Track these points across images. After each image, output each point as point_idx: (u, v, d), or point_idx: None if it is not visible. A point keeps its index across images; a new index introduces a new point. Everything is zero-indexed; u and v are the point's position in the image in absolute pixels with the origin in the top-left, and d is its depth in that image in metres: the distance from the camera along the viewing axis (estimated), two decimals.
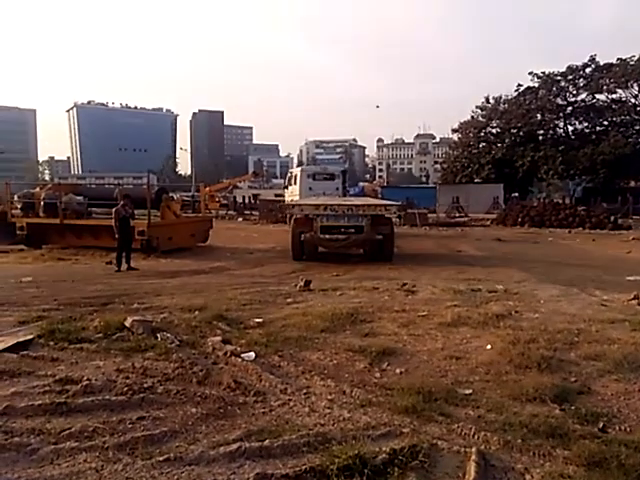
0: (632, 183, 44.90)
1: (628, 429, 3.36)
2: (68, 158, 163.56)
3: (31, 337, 5.16)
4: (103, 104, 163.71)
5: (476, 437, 3.24)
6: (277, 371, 4.43)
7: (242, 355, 4.74)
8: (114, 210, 11.24)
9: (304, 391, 3.98)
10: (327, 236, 12.11)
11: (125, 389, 3.89)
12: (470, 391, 4.04)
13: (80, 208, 14.87)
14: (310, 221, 12.16)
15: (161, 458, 2.93)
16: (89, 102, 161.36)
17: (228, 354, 4.77)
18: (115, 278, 9.88)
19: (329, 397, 3.86)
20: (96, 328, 5.53)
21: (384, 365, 4.66)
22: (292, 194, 20.49)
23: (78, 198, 15.10)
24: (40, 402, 3.65)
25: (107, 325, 5.52)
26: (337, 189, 20.07)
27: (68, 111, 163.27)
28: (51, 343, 5.05)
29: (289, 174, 23.28)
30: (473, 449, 3.01)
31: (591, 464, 2.84)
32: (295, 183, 20.63)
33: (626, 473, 2.73)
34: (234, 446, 3.05)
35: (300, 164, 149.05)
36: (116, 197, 13.04)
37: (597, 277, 10.36)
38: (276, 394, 3.92)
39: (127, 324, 5.50)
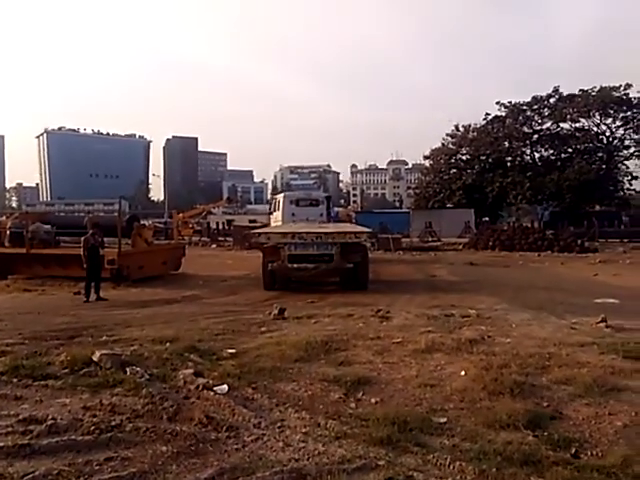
0: (597, 207, 46.42)
1: (600, 454, 3.39)
2: (37, 184, 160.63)
3: None
4: (74, 130, 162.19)
5: (451, 467, 3.22)
6: (250, 404, 4.35)
7: (214, 388, 4.64)
8: (83, 239, 11.03)
9: (278, 424, 3.91)
10: (295, 265, 11.61)
11: (92, 428, 3.75)
12: (445, 419, 4.03)
13: (48, 237, 14.56)
14: (277, 250, 11.68)
15: None
16: (60, 128, 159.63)
17: (200, 388, 4.65)
18: (83, 309, 9.62)
19: (304, 430, 3.80)
20: (62, 363, 5.34)
21: (359, 395, 4.63)
22: (276, 220, 20.30)
23: (46, 227, 14.80)
24: (2, 444, 3.48)
25: (74, 360, 5.34)
26: (321, 215, 19.45)
27: (38, 137, 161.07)
28: (14, 380, 4.85)
29: (273, 200, 23.09)
30: None
31: None
32: (278, 209, 20.14)
33: None
34: None
35: (275, 189, 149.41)
36: (85, 225, 12.82)
37: (566, 300, 10.58)
38: (249, 429, 3.84)
39: (95, 358, 5.33)
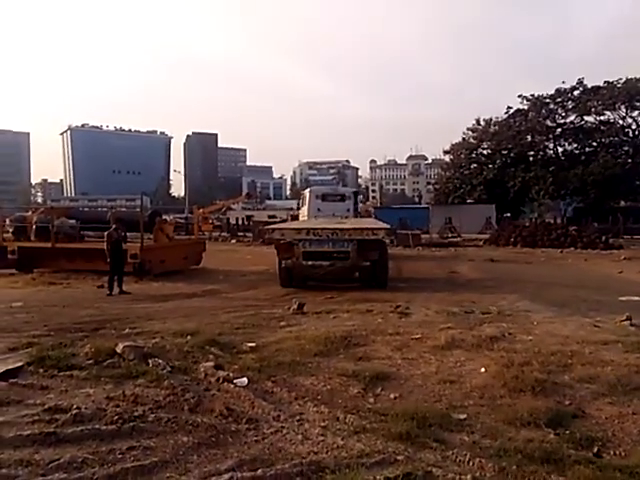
0: (622, 203, 45.39)
1: (622, 453, 3.34)
2: (61, 181, 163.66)
3: (20, 364, 5.09)
4: (97, 127, 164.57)
5: (471, 464, 3.21)
6: (270, 397, 4.39)
7: (235, 381, 4.70)
8: (106, 234, 11.23)
9: (297, 418, 3.94)
10: (310, 262, 11.17)
11: (115, 418, 3.83)
12: (464, 416, 4.01)
13: (72, 232, 14.84)
14: (292, 247, 11.28)
15: None
16: (83, 125, 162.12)
17: (220, 380, 4.72)
18: (107, 302, 9.80)
19: (322, 424, 3.82)
20: (87, 354, 5.47)
21: (378, 390, 4.63)
22: (303, 215, 20.21)
23: (70, 221, 15.09)
24: (29, 432, 3.58)
25: (98, 351, 5.46)
26: (348, 210, 19.06)
27: (62, 134, 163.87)
28: (41, 370, 4.98)
29: (301, 195, 23.03)
30: (468, 476, 2.98)
31: None
32: (305, 204, 19.98)
33: None
34: (226, 476, 3.00)
35: (293, 185, 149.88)
36: (109, 220, 13.05)
37: (590, 297, 10.40)
38: (269, 421, 3.88)
39: (118, 350, 5.44)
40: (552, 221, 33.82)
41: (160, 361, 5.21)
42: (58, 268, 14.34)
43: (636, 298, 10.24)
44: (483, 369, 5.13)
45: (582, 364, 5.29)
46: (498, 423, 3.86)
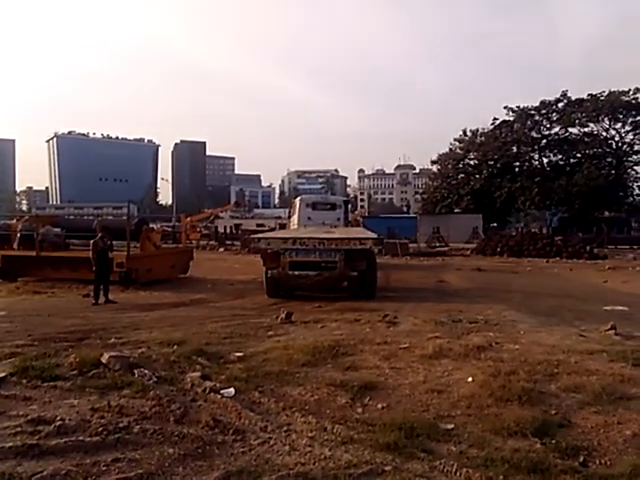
0: (606, 213, 46.11)
1: (608, 462, 3.37)
2: (47, 188, 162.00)
3: (3, 375, 4.99)
4: (84, 134, 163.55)
5: (458, 474, 3.21)
6: (257, 408, 4.36)
7: (222, 391, 4.66)
8: (92, 242, 11.11)
9: (285, 429, 3.91)
10: (296, 272, 11.00)
11: (100, 429, 3.77)
12: (452, 426, 4.01)
13: (57, 240, 14.67)
14: (278, 256, 11.12)
15: None
16: (70, 132, 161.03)
17: (207, 391, 4.68)
18: (92, 312, 9.68)
19: (310, 434, 3.80)
20: (71, 365, 5.38)
21: (366, 400, 4.62)
22: (293, 224, 20.14)
23: (56, 230, 14.92)
24: (11, 444, 3.51)
25: (82, 361, 5.37)
26: (338, 219, 18.89)
27: (48, 141, 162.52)
28: (24, 381, 4.89)
29: (292, 203, 22.87)
30: None
31: None
32: (295, 212, 19.74)
33: None
34: None
35: (282, 194, 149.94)
36: (95, 228, 12.91)
37: (575, 307, 10.51)
38: (256, 432, 3.85)
39: (103, 360, 5.37)
40: (538, 231, 34.15)
41: (146, 371, 5.15)
42: (43, 277, 14.14)
43: (620, 308, 10.37)
44: (470, 378, 5.15)
45: (568, 373, 5.33)
46: (485, 433, 3.87)
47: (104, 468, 3.25)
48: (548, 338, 7.21)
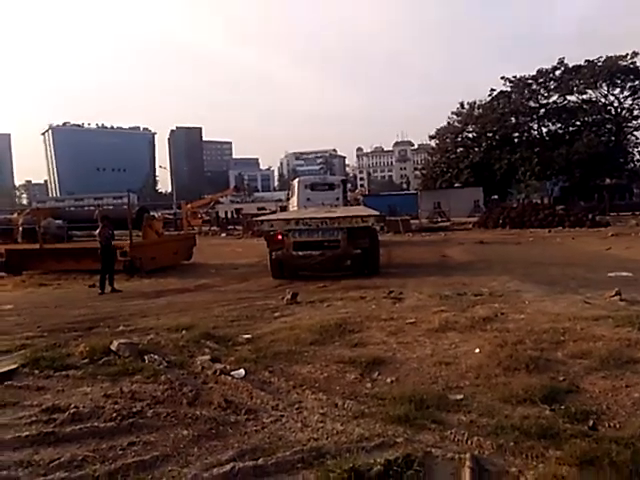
0: (607, 181, 45.90)
1: (617, 426, 3.40)
2: (45, 181, 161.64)
3: (15, 366, 5.04)
4: (79, 125, 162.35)
5: (469, 442, 3.25)
6: (268, 387, 4.40)
7: (232, 373, 4.70)
8: (97, 232, 11.11)
9: (296, 406, 3.96)
10: (300, 253, 11.16)
11: (114, 415, 3.82)
12: (461, 396, 4.05)
13: (60, 232, 14.70)
14: (282, 237, 11.32)
15: None
16: (64, 124, 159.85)
17: (217, 373, 4.72)
18: (99, 301, 9.74)
19: (321, 411, 3.84)
20: (81, 354, 5.43)
21: (375, 375, 4.66)
22: (292, 205, 20.13)
23: (57, 222, 14.94)
24: (27, 433, 3.56)
25: (93, 350, 5.42)
26: (337, 199, 18.95)
27: (43, 134, 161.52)
28: (36, 371, 4.94)
29: (290, 185, 22.73)
30: (467, 455, 3.01)
31: (583, 463, 2.86)
32: (294, 194, 19.84)
33: (618, 470, 2.75)
34: (227, 467, 3.01)
35: (281, 176, 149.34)
36: (96, 219, 12.90)
37: (579, 275, 10.53)
38: (268, 411, 3.89)
39: (113, 348, 5.42)
40: (539, 201, 34.11)
41: (156, 357, 5.20)
42: (47, 269, 14.19)
43: (624, 274, 10.38)
44: (477, 350, 5.19)
45: (574, 340, 5.36)
46: (494, 401, 3.91)
47: (120, 452, 3.30)
48: (553, 307, 7.23)
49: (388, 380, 4.52)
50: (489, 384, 4.28)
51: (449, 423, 3.56)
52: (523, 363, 4.62)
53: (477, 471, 2.86)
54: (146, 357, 5.21)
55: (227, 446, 3.36)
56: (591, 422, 3.44)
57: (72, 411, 3.89)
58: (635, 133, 44.63)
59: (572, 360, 4.79)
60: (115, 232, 12.16)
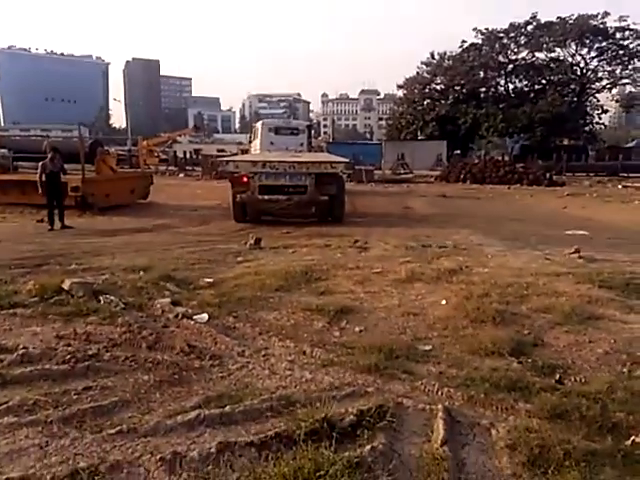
0: (565, 141, 46.90)
1: (583, 380, 3.44)
2: None
3: None
4: (26, 49, 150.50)
5: (440, 393, 3.22)
6: (233, 333, 4.24)
7: (194, 317, 4.51)
8: (40, 164, 10.37)
9: (263, 353, 3.83)
10: (266, 197, 10.88)
11: (67, 357, 3.58)
12: (430, 347, 4.02)
13: (5, 162, 13.75)
14: (247, 180, 10.92)
15: (113, 430, 2.70)
16: (10, 47, 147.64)
17: (179, 316, 4.51)
18: (48, 237, 9.22)
19: (289, 358, 3.73)
20: (30, 291, 5.08)
21: (343, 324, 4.57)
22: (255, 149, 19.39)
23: (2, 151, 13.93)
24: None
25: (43, 288, 5.08)
26: (301, 145, 18.17)
27: None
28: None
29: (253, 127, 22.06)
30: (439, 406, 2.98)
31: (553, 416, 2.87)
32: (257, 137, 18.85)
33: (588, 425, 2.78)
34: (192, 414, 2.86)
35: (242, 118, 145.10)
36: (45, 150, 12.05)
37: (538, 232, 10.75)
38: (233, 357, 3.75)
39: (65, 286, 5.09)
40: (500, 159, 34.50)
41: (112, 298, 4.92)
42: None
43: (581, 232, 10.67)
44: (444, 301, 5.17)
45: (537, 295, 5.42)
46: (463, 353, 3.90)
47: (75, 397, 3.09)
48: (515, 261, 7.32)
49: (356, 329, 4.44)
50: (457, 335, 4.27)
51: (419, 374, 3.52)
52: (489, 316, 4.62)
53: (449, 422, 2.83)
54: (101, 298, 4.92)
55: (191, 392, 3.20)
56: (558, 376, 3.47)
57: (21, 352, 3.63)
58: (597, 95, 45.44)
59: (536, 314, 4.83)
60: (65, 166, 11.41)
